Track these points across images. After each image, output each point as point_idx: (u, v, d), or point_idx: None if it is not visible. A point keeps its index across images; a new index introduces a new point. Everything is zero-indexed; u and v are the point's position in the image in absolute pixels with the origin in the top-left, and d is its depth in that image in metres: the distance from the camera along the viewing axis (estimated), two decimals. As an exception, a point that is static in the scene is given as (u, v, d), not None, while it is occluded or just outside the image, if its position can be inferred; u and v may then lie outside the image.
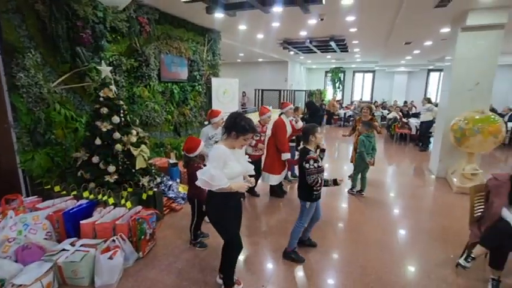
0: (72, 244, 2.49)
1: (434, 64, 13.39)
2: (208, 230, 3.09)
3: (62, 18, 3.31)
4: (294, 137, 4.67)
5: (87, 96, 3.74)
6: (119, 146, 3.22)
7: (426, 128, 7.82)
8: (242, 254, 2.87)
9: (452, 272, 2.62)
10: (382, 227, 3.47)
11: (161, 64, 5.20)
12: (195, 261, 2.76)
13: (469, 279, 2.51)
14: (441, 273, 2.60)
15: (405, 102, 13.03)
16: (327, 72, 17.12)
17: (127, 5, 4.10)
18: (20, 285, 2.02)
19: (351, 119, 12.50)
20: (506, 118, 8.85)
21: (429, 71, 15.11)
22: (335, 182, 2.58)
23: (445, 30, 6.06)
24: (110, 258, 2.36)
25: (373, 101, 15.07)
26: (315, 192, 2.58)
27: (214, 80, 6.57)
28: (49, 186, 3.15)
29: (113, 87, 3.39)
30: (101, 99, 3.25)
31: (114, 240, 2.54)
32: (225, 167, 1.95)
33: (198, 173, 1.93)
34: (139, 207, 3.01)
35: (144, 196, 3.29)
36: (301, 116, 5.44)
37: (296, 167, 5.02)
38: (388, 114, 10.54)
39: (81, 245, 2.47)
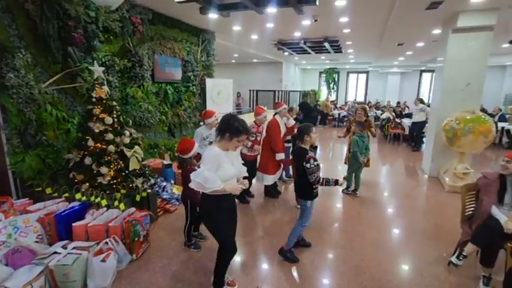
0: (64, 247, 2.45)
1: (426, 65, 13.58)
2: (207, 232, 3.07)
3: (53, 17, 3.26)
4: (289, 138, 4.66)
5: (79, 97, 3.69)
6: (112, 147, 3.19)
7: (419, 128, 7.91)
8: (237, 254, 2.86)
9: (444, 270, 2.65)
10: (376, 226, 3.50)
11: (155, 64, 5.16)
12: (190, 262, 2.74)
13: (461, 277, 2.54)
14: (434, 271, 2.64)
15: (398, 102, 13.18)
16: (321, 72, 17.22)
17: (120, 4, 4.06)
18: (10, 289, 1.98)
19: (345, 119, 12.58)
20: (496, 118, 9.00)
21: (421, 71, 15.33)
22: (336, 183, 2.61)
23: (437, 31, 6.15)
24: (103, 260, 2.33)
25: (367, 102, 15.22)
26: (315, 190, 2.63)
27: (208, 81, 6.55)
28: (40, 188, 3.10)
29: (106, 87, 3.35)
30: (94, 99, 3.21)
31: (107, 243, 2.51)
32: (219, 169, 1.94)
33: (192, 175, 1.91)
34: (133, 209, 2.98)
35: (138, 198, 3.26)
36: (294, 116, 5.44)
37: (290, 167, 5.05)
38: (381, 114, 10.65)
39: (74, 248, 2.43)
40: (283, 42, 8.44)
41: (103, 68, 3.46)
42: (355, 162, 4.32)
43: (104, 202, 2.95)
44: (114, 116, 3.31)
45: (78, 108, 3.69)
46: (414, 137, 8.08)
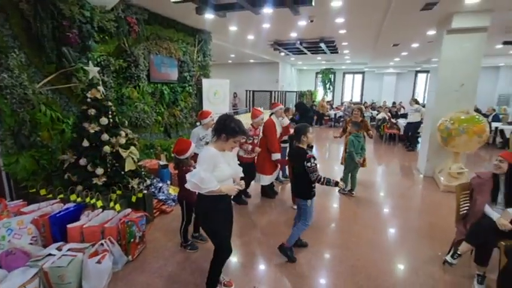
0: (59, 249, 2.43)
1: (421, 66, 13.70)
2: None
3: (47, 17, 3.23)
4: (286, 138, 4.66)
5: (74, 97, 3.66)
6: (107, 148, 3.17)
7: (414, 129, 7.97)
8: (234, 255, 2.86)
9: (439, 268, 2.68)
10: (372, 226, 3.52)
11: (150, 65, 5.14)
12: (186, 263, 2.73)
13: (456, 276, 2.57)
14: (429, 270, 2.66)
15: (394, 103, 13.27)
16: (317, 73, 17.28)
17: (115, 4, 4.04)
18: (4, 292, 1.96)
19: (341, 119, 12.64)
20: (490, 118, 9.10)
21: (417, 72, 15.46)
22: (336, 184, 2.64)
23: (432, 32, 6.21)
24: (98, 262, 2.32)
25: (363, 102, 15.31)
26: (313, 189, 2.67)
27: (205, 81, 6.54)
28: (34, 190, 3.07)
29: (101, 88, 3.33)
30: (89, 100, 3.19)
31: (102, 244, 2.49)
32: (215, 169, 1.93)
33: (188, 175, 1.90)
34: (129, 210, 2.97)
35: (134, 198, 3.24)
36: (290, 117, 5.45)
37: (286, 167, 5.06)
38: (377, 115, 10.72)
39: (68, 250, 2.41)
40: (279, 42, 8.45)
41: (98, 68, 3.44)
42: (351, 162, 4.34)
43: (99, 203, 2.94)
44: (110, 116, 3.30)
45: (73, 109, 3.67)
46: (409, 137, 8.14)
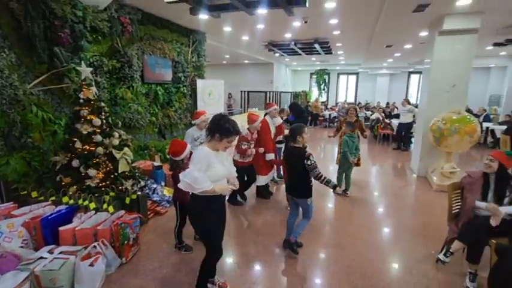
0: (51, 252, 2.39)
1: (414, 67, 13.87)
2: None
3: (38, 17, 3.19)
4: (280, 138, 4.66)
5: (67, 98, 3.61)
6: (100, 149, 3.13)
7: (407, 129, 8.04)
8: (229, 255, 2.86)
9: (432, 267, 2.71)
10: (366, 225, 3.55)
11: (144, 65, 5.11)
12: (181, 265, 2.71)
13: (448, 274, 2.60)
14: (422, 268, 2.68)
15: (387, 103, 13.41)
16: (312, 74, 17.36)
17: (108, 4, 4.01)
18: (-6, 296, 1.92)
19: (336, 120, 12.72)
20: (481, 118, 9.25)
21: (410, 73, 15.65)
22: (334, 187, 2.72)
23: (424, 34, 6.29)
24: (91, 265, 2.29)
25: (357, 103, 15.43)
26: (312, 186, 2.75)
27: (199, 82, 6.51)
28: (26, 192, 3.02)
29: (94, 88, 3.30)
30: (81, 101, 3.16)
31: (95, 246, 2.46)
32: (209, 169, 1.92)
33: (181, 175, 1.88)
34: (122, 212, 2.93)
35: (128, 200, 3.21)
36: (285, 117, 5.46)
37: (281, 168, 5.06)
38: (371, 115, 10.81)
39: (60, 253, 2.37)
40: (274, 43, 8.47)
41: (91, 69, 3.41)
42: (346, 162, 4.37)
43: (92, 205, 2.90)
44: (103, 117, 3.27)
45: (65, 110, 3.62)
46: (403, 138, 8.22)
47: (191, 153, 2.86)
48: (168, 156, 2.86)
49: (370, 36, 7.07)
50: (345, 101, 16.18)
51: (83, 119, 3.12)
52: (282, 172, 5.14)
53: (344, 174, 4.52)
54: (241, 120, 8.41)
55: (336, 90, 17.33)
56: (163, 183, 4.37)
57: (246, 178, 4.05)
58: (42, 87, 3.38)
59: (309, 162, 2.60)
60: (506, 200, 2.41)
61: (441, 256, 2.53)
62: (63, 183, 3.10)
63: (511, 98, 10.83)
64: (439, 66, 5.12)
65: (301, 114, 6.72)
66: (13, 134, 3.08)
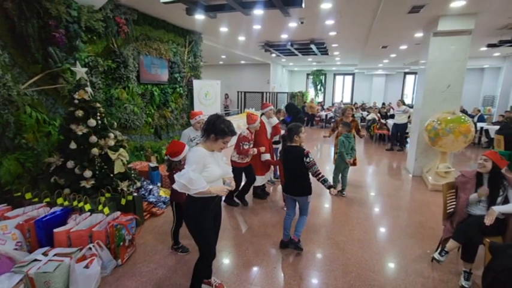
0: (45, 254, 2.37)
1: (409, 67, 13.99)
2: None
3: (32, 17, 3.16)
4: (277, 139, 4.66)
5: (61, 99, 3.58)
6: (95, 150, 3.11)
7: (403, 129, 8.07)
8: (226, 256, 2.85)
9: (428, 266, 2.73)
10: (362, 225, 3.56)
11: (140, 65, 5.08)
12: (177, 266, 2.70)
13: (444, 273, 2.62)
14: (418, 267, 2.70)
15: (383, 103, 13.49)
16: (308, 74, 17.43)
17: (103, 4, 3.98)
18: (-13, 299, 1.90)
19: (332, 120, 12.77)
20: (476, 119, 9.36)
21: (405, 73, 15.78)
22: (330, 187, 2.74)
23: (419, 34, 6.35)
24: (86, 267, 2.27)
25: (353, 103, 15.51)
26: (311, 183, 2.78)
27: (195, 82, 6.50)
28: (19, 194, 2.99)
29: (89, 89, 3.27)
30: (76, 101, 3.13)
31: (90, 248, 2.44)
32: (204, 170, 1.91)
33: (176, 175, 1.86)
34: (118, 213, 2.91)
35: (123, 201, 3.19)
36: (282, 118, 5.46)
37: (277, 168, 5.06)
38: (367, 115, 10.87)
39: (55, 255, 2.35)
40: (270, 44, 8.49)
41: (86, 69, 3.37)
42: (342, 162, 4.39)
43: (87, 207, 2.87)
44: (98, 118, 3.24)
45: (59, 110, 3.59)
46: (398, 138, 8.27)
47: None
48: (165, 157, 2.84)
49: (366, 37, 7.11)
50: (341, 101, 16.28)
51: (78, 120, 3.09)
52: (278, 172, 5.14)
53: (340, 175, 4.54)
54: (238, 121, 8.42)
55: (332, 91, 17.42)
56: (159, 184, 4.35)
57: (244, 179, 4.04)
58: (37, 88, 3.34)
59: (307, 160, 2.66)
60: (499, 199, 2.43)
61: (436, 255, 2.55)
62: (57, 185, 3.07)
63: (504, 98, 10.97)
64: (434, 67, 5.17)
65: (297, 114, 6.73)
66: (6, 135, 3.04)
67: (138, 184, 3.73)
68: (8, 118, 3.02)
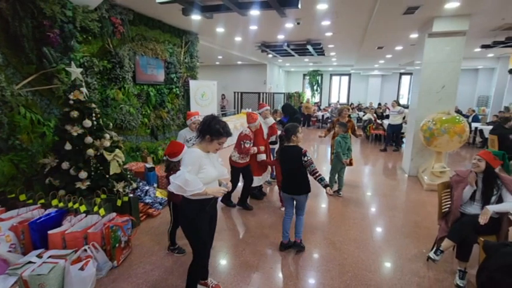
0: (39, 256, 2.34)
1: (405, 68, 14.09)
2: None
3: (26, 16, 3.13)
4: (273, 139, 4.66)
5: (56, 99, 3.56)
6: (91, 151, 3.09)
7: (398, 130, 8.11)
8: (222, 257, 2.85)
9: (423, 265, 2.75)
10: (358, 225, 3.58)
11: (136, 66, 5.06)
12: (174, 267, 2.69)
13: (439, 272, 2.64)
14: (413, 267, 2.72)
15: (379, 104, 13.57)
16: (305, 75, 17.48)
17: (99, 4, 3.96)
18: (-20, 303, 1.88)
19: (329, 120, 12.81)
20: (470, 119, 9.45)
21: (401, 74, 15.89)
22: (326, 186, 2.75)
23: (414, 35, 6.40)
24: (81, 269, 2.25)
25: (350, 103, 15.58)
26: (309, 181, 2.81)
27: (192, 83, 6.49)
28: (13, 195, 2.96)
29: (84, 89, 3.25)
30: (71, 102, 3.10)
31: (85, 250, 2.42)
32: (200, 171, 1.89)
33: (171, 177, 1.84)
34: (114, 214, 2.89)
35: (119, 202, 3.17)
36: (279, 119, 5.46)
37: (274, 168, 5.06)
38: (363, 116, 10.92)
39: (49, 257, 2.32)
40: (267, 44, 8.50)
41: (81, 69, 3.35)
42: (338, 162, 4.40)
43: (82, 208, 2.85)
44: (94, 118, 3.22)
45: (54, 111, 3.56)
46: (393, 138, 8.31)
47: None
48: (164, 158, 2.83)
49: (362, 37, 7.15)
50: (338, 101, 16.34)
51: (73, 121, 3.07)
52: (274, 173, 5.14)
53: (337, 175, 4.55)
54: (234, 122, 8.40)
55: (328, 91, 17.48)
56: (155, 185, 4.33)
57: (241, 180, 4.03)
58: (31, 88, 3.32)
59: (305, 159, 2.71)
60: (493, 198, 2.46)
61: (432, 254, 2.57)
62: (52, 186, 3.04)
63: (498, 98, 11.09)
64: (429, 67, 5.21)
65: (294, 115, 6.74)
66: (0, 136, 3.01)
67: (134, 185, 3.71)
68: (2, 119, 3.00)
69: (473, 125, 8.94)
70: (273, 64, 14.32)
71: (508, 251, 1.79)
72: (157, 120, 5.74)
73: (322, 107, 15.21)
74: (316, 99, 16.84)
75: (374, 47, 8.35)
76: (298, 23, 5.74)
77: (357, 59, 11.58)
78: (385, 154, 7.80)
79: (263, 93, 12.72)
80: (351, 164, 4.60)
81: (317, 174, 2.72)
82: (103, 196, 3.10)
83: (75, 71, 3.19)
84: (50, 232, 2.52)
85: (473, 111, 10.27)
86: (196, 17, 5.04)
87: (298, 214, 2.93)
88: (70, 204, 2.88)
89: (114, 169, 3.27)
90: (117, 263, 2.66)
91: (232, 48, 9.29)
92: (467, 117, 9.40)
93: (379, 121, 9.60)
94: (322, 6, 4.67)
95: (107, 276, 2.53)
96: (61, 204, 2.90)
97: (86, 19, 3.82)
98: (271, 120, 4.52)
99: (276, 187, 4.37)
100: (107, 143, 3.26)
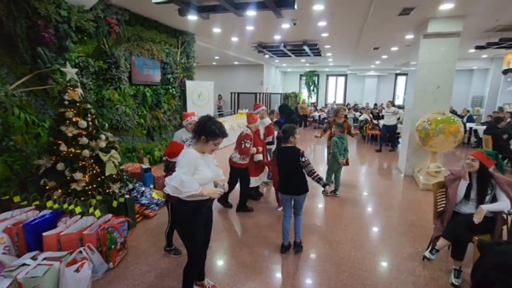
0: (34, 258, 2.31)
1: (401, 68, 14.21)
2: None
3: (20, 16, 3.11)
4: (270, 139, 4.66)
5: (51, 100, 3.53)
6: (86, 152, 3.06)
7: (393, 131, 8.16)
8: (219, 258, 2.84)
9: (419, 264, 2.77)
10: (355, 225, 3.59)
11: (132, 66, 5.04)
12: (170, 269, 2.68)
13: (434, 270, 2.66)
14: (409, 266, 2.74)
15: (375, 104, 13.65)
16: (301, 75, 17.52)
17: (94, 4, 3.94)
18: (-27, 306, 1.85)
19: (325, 121, 12.85)
20: (465, 119, 9.53)
21: (397, 75, 16.01)
22: (325, 185, 2.81)
23: (409, 36, 6.45)
24: (77, 270, 2.22)
25: (346, 104, 15.65)
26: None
27: (188, 83, 6.48)
28: (8, 197, 2.91)
29: (79, 89, 3.22)
30: (66, 102, 3.08)
31: (81, 252, 2.40)
32: (196, 172, 1.88)
33: (167, 178, 1.83)
34: (110, 216, 2.87)
35: (115, 204, 3.15)
36: (275, 119, 5.47)
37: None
38: (360, 116, 10.97)
39: (44, 259, 2.30)
40: (263, 44, 8.51)
41: (76, 70, 3.33)
42: (335, 162, 4.42)
43: (77, 209, 2.83)
44: (89, 119, 3.20)
45: (49, 112, 3.53)
46: (389, 139, 8.35)
47: None
48: (164, 158, 2.81)
49: (358, 38, 7.19)
50: (334, 102, 16.41)
51: (68, 121, 3.04)
52: (271, 173, 5.14)
53: (333, 175, 4.57)
54: (231, 122, 8.39)
55: (325, 92, 17.55)
56: (152, 186, 4.31)
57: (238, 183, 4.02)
58: (25, 89, 3.28)
59: (303, 159, 2.73)
60: (487, 197, 2.49)
61: (427, 253, 2.59)
62: (47, 187, 3.02)
63: (492, 99, 11.22)
64: (424, 68, 5.26)
65: (290, 115, 6.76)
66: (-6, 137, 2.98)
67: (130, 186, 3.69)
68: (-4, 120, 2.96)
69: (468, 125, 9.01)
70: (269, 65, 14.35)
71: (502, 250, 1.81)
72: (154, 120, 5.72)
73: (318, 108, 15.26)
74: (313, 99, 16.89)
75: (370, 48, 8.40)
76: (294, 24, 5.75)
77: (353, 60, 11.65)
78: (381, 154, 7.85)
79: (260, 93, 12.73)
80: (347, 163, 4.62)
81: (315, 174, 2.75)
82: (99, 197, 3.08)
83: (70, 71, 3.16)
84: (44, 234, 2.50)
85: (468, 111, 10.37)
86: (192, 17, 5.03)
87: (296, 214, 2.94)
88: (65, 206, 2.85)
89: (109, 170, 3.25)
90: (113, 265, 2.64)
91: (228, 49, 9.29)
92: (462, 117, 9.48)
93: (375, 121, 9.65)
94: (318, 7, 4.69)
95: (103, 278, 2.51)
96: (56, 206, 2.87)
97: (81, 19, 3.79)
98: (267, 121, 4.51)
99: (273, 188, 4.37)
100: (103, 144, 3.24)
